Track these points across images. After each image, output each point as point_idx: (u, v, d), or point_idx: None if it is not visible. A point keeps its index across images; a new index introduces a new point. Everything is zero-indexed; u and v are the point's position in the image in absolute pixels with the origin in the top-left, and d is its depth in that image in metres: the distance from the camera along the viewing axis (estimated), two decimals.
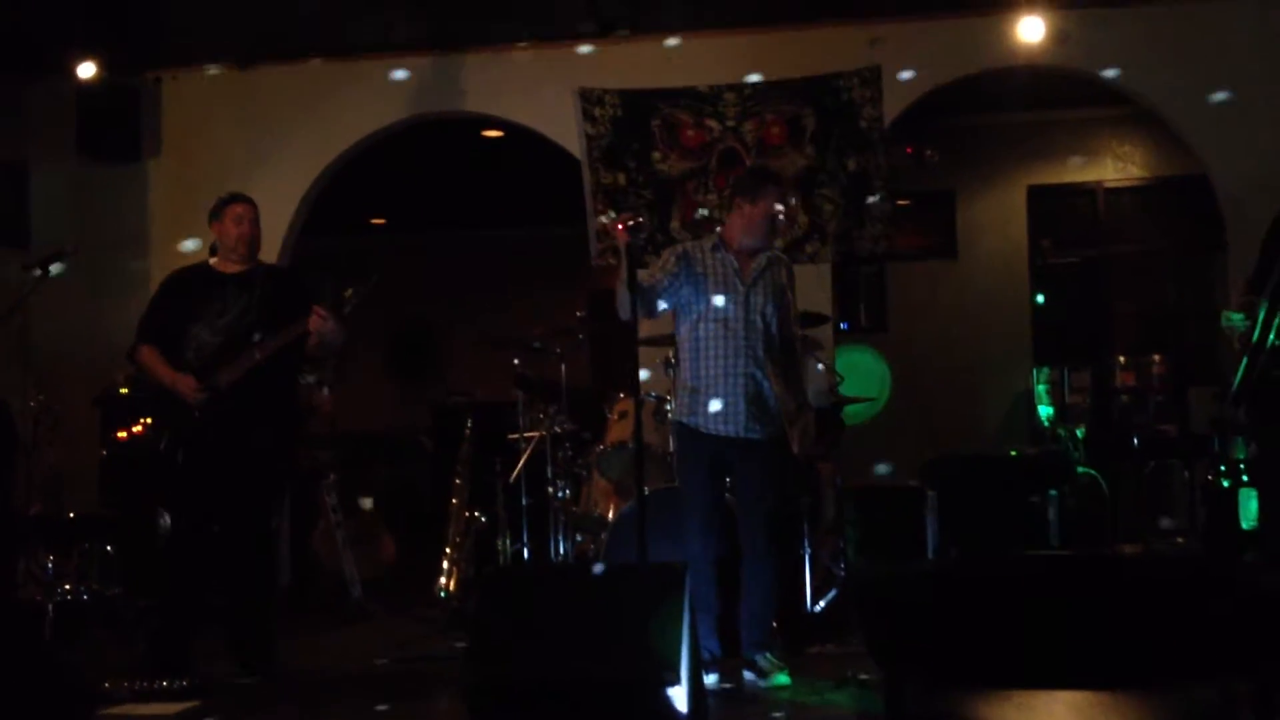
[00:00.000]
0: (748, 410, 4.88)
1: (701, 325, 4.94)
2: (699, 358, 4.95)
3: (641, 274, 4.87)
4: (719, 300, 4.92)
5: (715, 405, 4.89)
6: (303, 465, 6.83)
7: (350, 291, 5.19)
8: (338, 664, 5.63)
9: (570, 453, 6.42)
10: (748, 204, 5.02)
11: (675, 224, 7.31)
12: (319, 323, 5.07)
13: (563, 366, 6.50)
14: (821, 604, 5.91)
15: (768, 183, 5.12)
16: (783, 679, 4.86)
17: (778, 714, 4.52)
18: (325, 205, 8.05)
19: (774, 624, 5.07)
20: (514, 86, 7.59)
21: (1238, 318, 4.71)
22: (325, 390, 7.13)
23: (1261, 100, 6.61)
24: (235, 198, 5.42)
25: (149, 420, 5.66)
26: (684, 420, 5.00)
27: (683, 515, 4.96)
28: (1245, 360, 4.73)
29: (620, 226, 4.73)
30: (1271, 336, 4.62)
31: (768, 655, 4.91)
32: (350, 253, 10.67)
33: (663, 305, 4.93)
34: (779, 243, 7.24)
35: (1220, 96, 6.80)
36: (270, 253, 7.27)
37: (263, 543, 5.35)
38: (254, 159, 7.53)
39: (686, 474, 5.04)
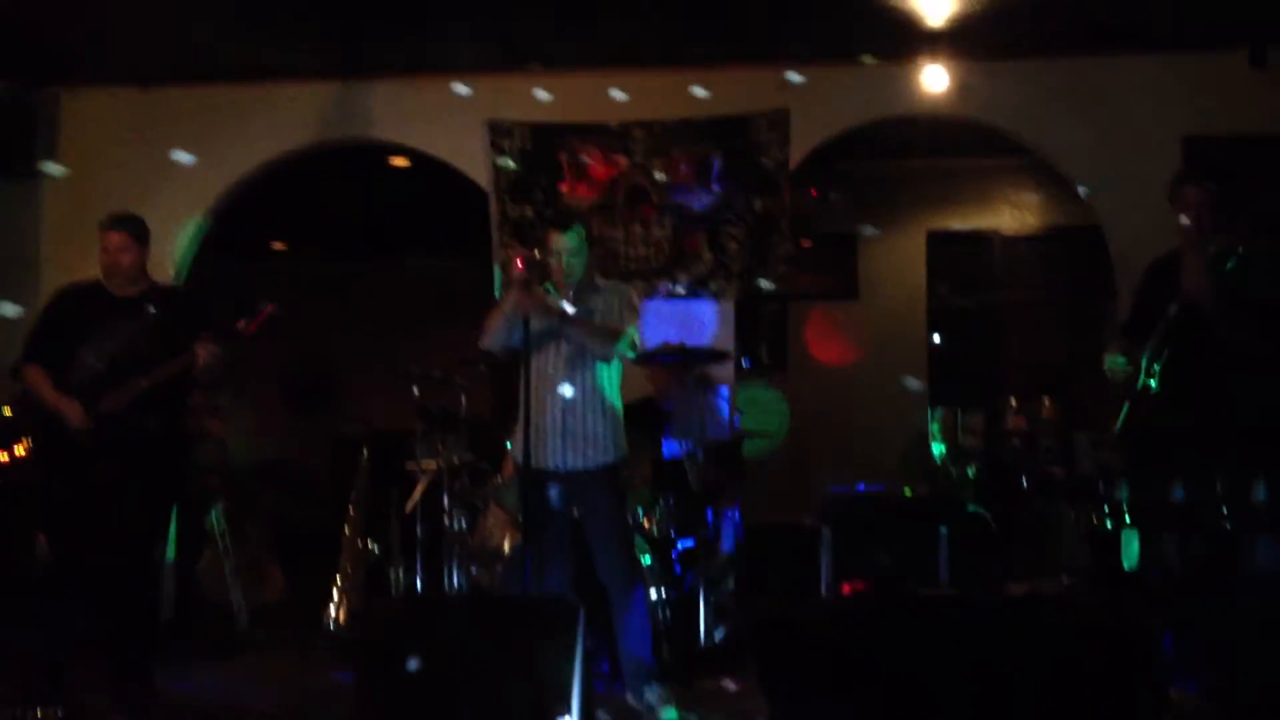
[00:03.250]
0: (566, 442, 4.89)
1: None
2: (531, 393, 4.92)
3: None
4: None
5: (552, 439, 4.90)
6: (191, 493, 6.67)
7: (244, 322, 5.12)
8: (221, 697, 5.50)
9: (468, 484, 6.37)
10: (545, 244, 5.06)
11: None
12: (205, 357, 4.99)
13: (463, 398, 6.46)
14: (715, 638, 5.92)
15: (551, 226, 5.16)
16: (671, 714, 4.85)
17: None
18: (226, 229, 7.92)
19: (652, 659, 5.05)
20: (422, 116, 7.55)
21: (1121, 361, 4.83)
22: (216, 417, 6.99)
23: (1153, 155, 6.81)
24: (106, 224, 5.27)
25: (30, 443, 5.49)
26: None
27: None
28: (1126, 406, 4.85)
29: (518, 262, 4.78)
30: (1154, 384, 4.75)
31: (654, 688, 4.90)
32: (250, 277, 10.52)
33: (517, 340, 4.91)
34: (683, 278, 7.35)
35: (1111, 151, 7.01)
36: (167, 274, 7.15)
37: (145, 572, 5.22)
38: (154, 180, 7.39)
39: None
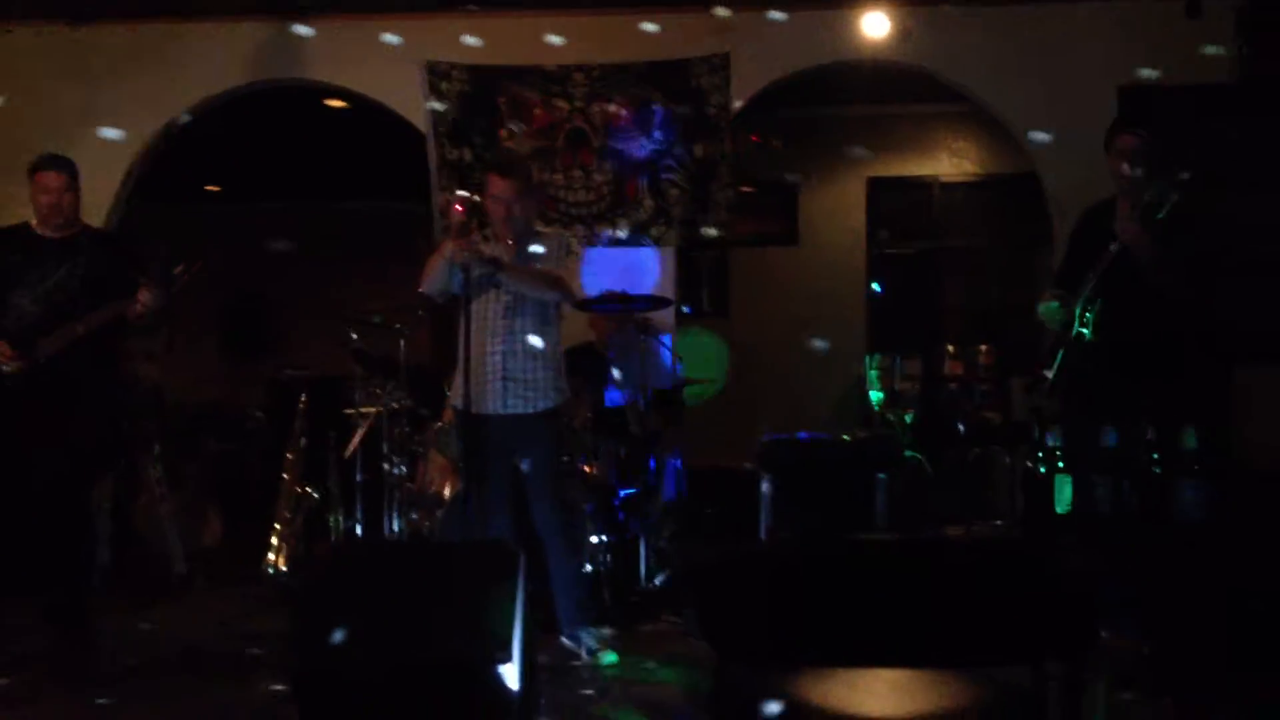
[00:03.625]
0: (506, 387, 4.88)
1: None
2: (472, 336, 4.89)
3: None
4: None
5: (492, 384, 4.89)
6: (126, 438, 6.60)
7: (181, 268, 5.05)
8: (157, 642, 5.46)
9: (408, 429, 6.34)
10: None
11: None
12: (145, 302, 4.92)
13: (402, 343, 6.42)
14: (655, 582, 5.97)
15: (492, 170, 5.08)
16: (611, 657, 4.90)
17: (608, 691, 4.56)
18: (159, 170, 7.78)
19: (590, 604, 5.08)
20: (359, 57, 7.44)
21: (1054, 307, 4.89)
22: (152, 362, 6.91)
23: (1089, 104, 6.87)
24: (42, 164, 5.16)
25: None
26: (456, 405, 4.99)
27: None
28: (1061, 353, 4.93)
29: (457, 206, 4.72)
30: (1088, 332, 4.82)
31: (591, 632, 4.93)
32: (184, 220, 10.36)
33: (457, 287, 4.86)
34: (624, 224, 7.33)
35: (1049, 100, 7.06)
36: (98, 216, 7.02)
37: (79, 516, 5.17)
38: (84, 119, 7.23)
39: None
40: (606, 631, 5.04)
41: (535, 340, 4.90)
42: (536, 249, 4.96)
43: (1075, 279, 5.00)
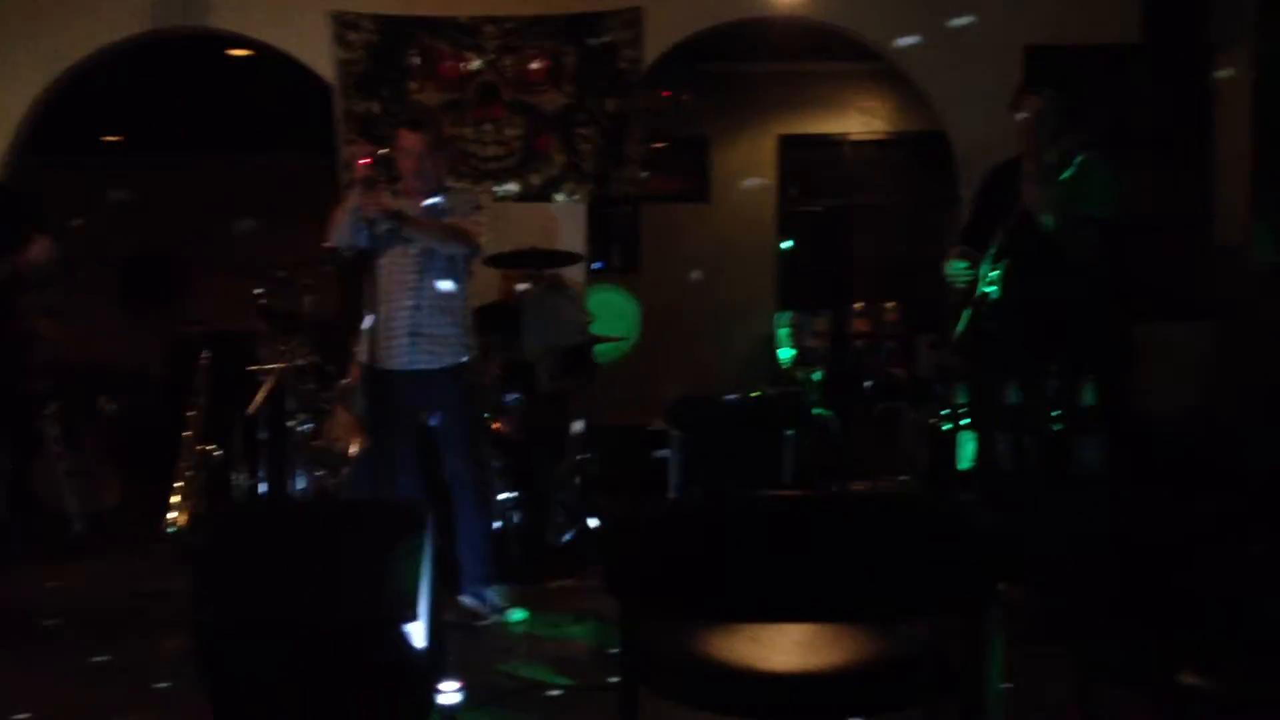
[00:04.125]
0: (413, 342, 4.83)
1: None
2: (381, 291, 4.86)
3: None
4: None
5: (399, 340, 4.85)
6: (21, 395, 6.43)
7: (80, 223, 4.91)
8: (55, 601, 5.36)
9: (313, 386, 6.26)
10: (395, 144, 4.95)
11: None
12: (38, 254, 4.79)
13: (307, 298, 6.31)
14: (564, 539, 5.97)
15: (401, 124, 5.03)
16: (519, 614, 4.90)
17: (516, 648, 4.56)
18: (56, 121, 7.55)
19: (494, 561, 5.06)
20: (263, 5, 7.27)
21: (961, 266, 4.95)
22: (48, 317, 6.71)
23: (997, 63, 6.93)
24: None
25: None
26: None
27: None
28: (968, 311, 4.98)
29: (363, 160, 4.66)
30: (992, 290, 4.87)
31: (498, 589, 4.93)
32: (83, 173, 10.09)
33: (364, 240, 4.80)
34: (535, 179, 7.27)
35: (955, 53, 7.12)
36: None
37: None
38: None
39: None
40: (509, 588, 5.01)
41: (444, 295, 4.85)
42: (443, 204, 4.90)
43: (980, 237, 5.06)
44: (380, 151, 4.83)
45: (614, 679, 2.34)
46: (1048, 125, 4.87)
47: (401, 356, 4.84)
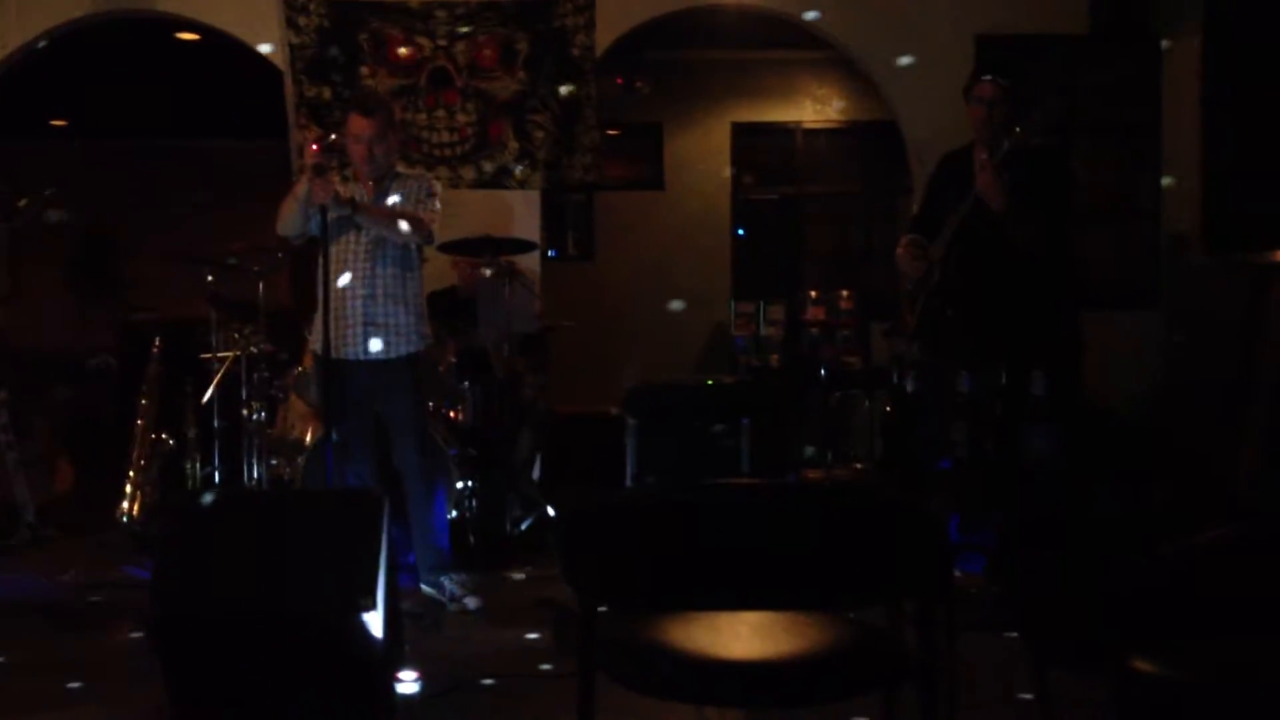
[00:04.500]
0: (366, 331, 4.81)
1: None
2: (331, 280, 4.82)
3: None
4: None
5: (351, 329, 4.82)
6: None
7: (25, 201, 4.85)
8: (6, 593, 5.31)
9: (267, 374, 6.22)
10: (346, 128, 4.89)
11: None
12: None
13: (260, 285, 6.26)
14: (521, 528, 5.97)
15: (350, 108, 4.94)
16: (473, 603, 4.89)
17: (472, 638, 4.56)
18: (2, 105, 7.44)
19: (449, 549, 5.06)
20: None
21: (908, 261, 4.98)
22: None
23: (948, 52, 6.98)
24: None
25: None
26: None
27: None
28: (923, 300, 5.03)
29: (313, 146, 4.61)
30: (944, 278, 4.92)
31: (453, 577, 4.92)
32: (25, 156, 9.95)
33: (315, 228, 4.75)
34: (488, 166, 7.25)
35: (906, 60, 7.16)
36: None
37: None
38: None
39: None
40: (464, 576, 5.01)
41: (397, 283, 4.83)
42: (395, 194, 4.87)
43: (931, 225, 5.10)
44: (330, 137, 4.78)
45: (572, 668, 2.36)
46: (1000, 113, 4.92)
47: (353, 346, 4.82)
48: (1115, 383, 6.69)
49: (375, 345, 4.83)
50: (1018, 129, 4.71)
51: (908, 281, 5.10)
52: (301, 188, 4.63)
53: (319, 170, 4.57)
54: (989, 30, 7.19)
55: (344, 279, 4.79)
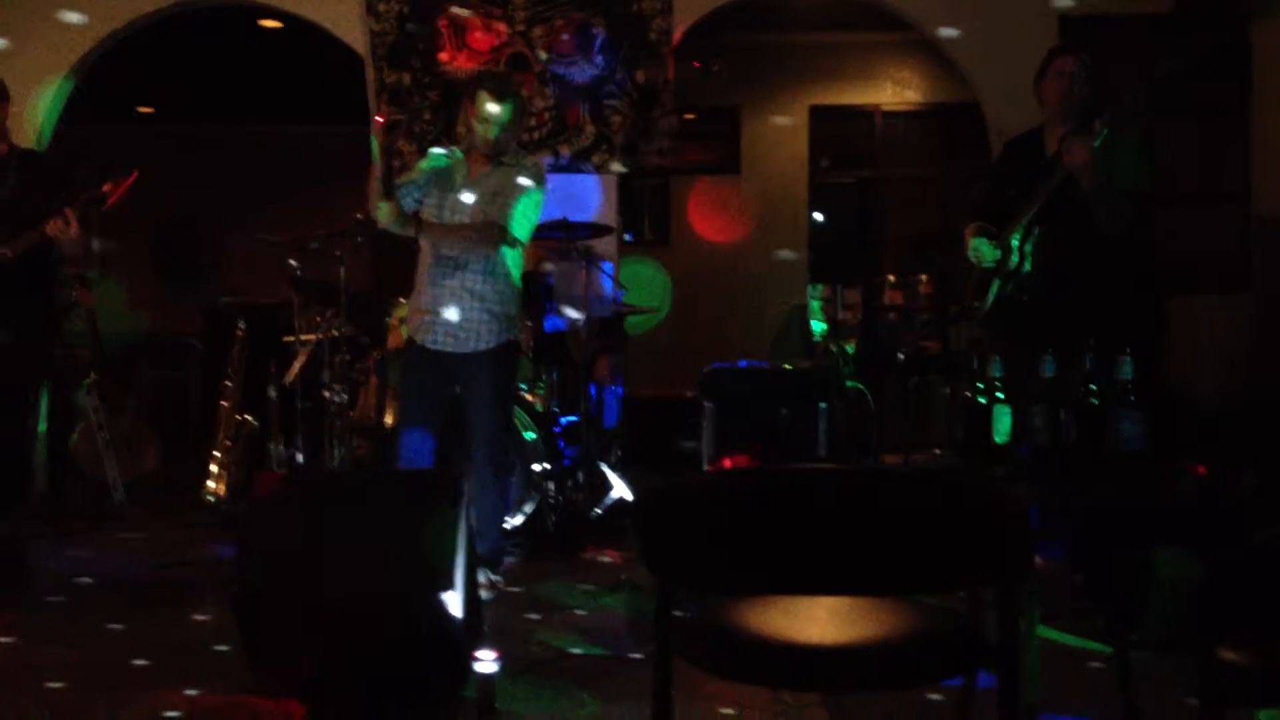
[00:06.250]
0: (456, 324, 4.79)
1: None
2: (421, 267, 4.86)
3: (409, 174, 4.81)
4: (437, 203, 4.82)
5: (428, 318, 4.83)
6: (61, 366, 6.51)
7: (109, 185, 4.94)
8: (97, 569, 5.44)
9: (348, 357, 6.29)
10: (468, 102, 4.87)
11: (461, 128, 7.17)
12: (58, 228, 4.82)
13: (342, 269, 6.33)
14: (598, 510, 6.00)
15: (481, 84, 4.85)
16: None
17: (551, 618, 4.59)
18: (90, 91, 7.60)
19: (501, 541, 5.03)
20: None
21: (986, 246, 4.91)
22: (84, 288, 6.78)
23: (1032, 32, 6.87)
24: None
25: None
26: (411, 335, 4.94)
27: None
28: (997, 283, 4.96)
29: (379, 119, 4.56)
30: (1027, 264, 4.85)
31: (486, 573, 4.80)
32: (117, 141, 10.15)
33: (413, 204, 4.76)
34: (565, 150, 7.27)
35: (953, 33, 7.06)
36: (28, 137, 6.86)
37: (16, 444, 5.10)
38: (14, 37, 7.04)
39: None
40: (496, 576, 4.94)
41: (485, 278, 4.80)
42: (493, 180, 4.83)
43: (996, 211, 5.01)
44: (395, 115, 4.69)
45: (648, 649, 2.36)
46: (1081, 87, 4.83)
47: (428, 335, 4.84)
48: (1204, 367, 6.57)
49: (444, 339, 4.82)
50: (1129, 98, 4.55)
51: (977, 268, 5.03)
52: (375, 170, 4.62)
53: (384, 148, 4.50)
54: (1073, 10, 7.06)
55: (445, 269, 4.79)
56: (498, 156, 4.84)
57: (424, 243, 4.82)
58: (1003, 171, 5.22)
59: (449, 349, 4.82)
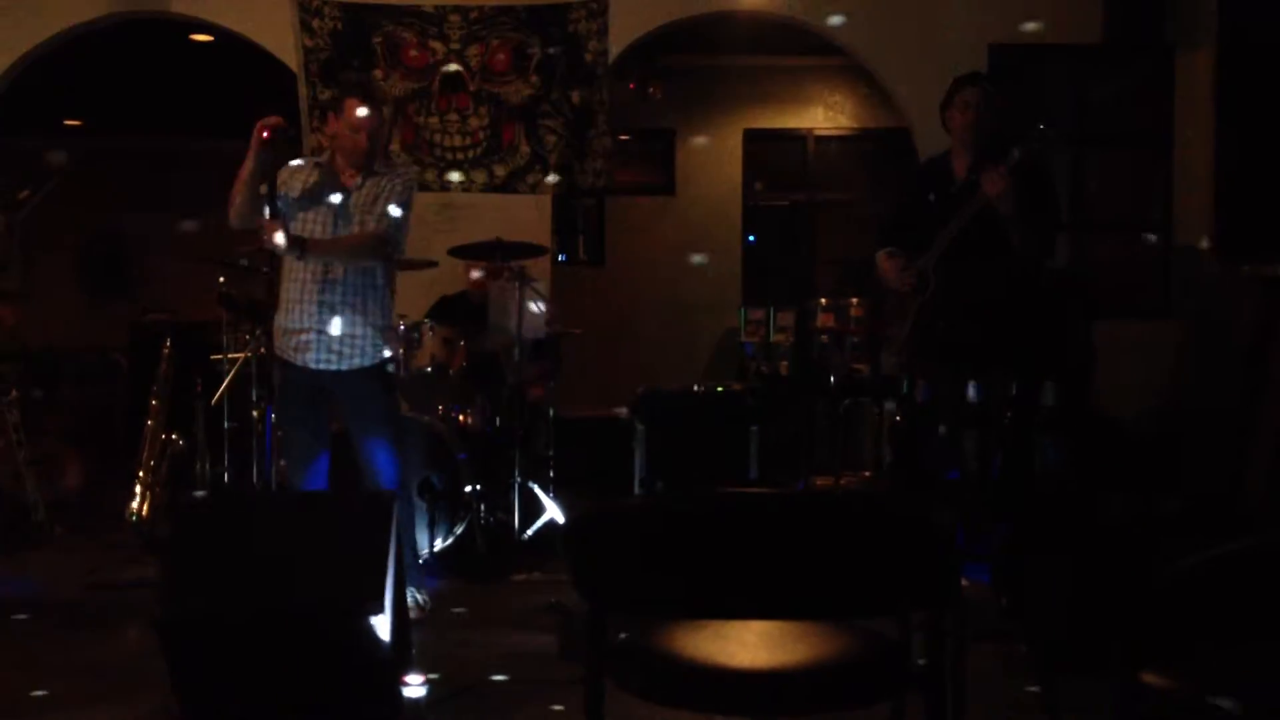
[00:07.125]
0: (324, 339, 4.58)
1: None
2: (289, 283, 4.63)
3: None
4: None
5: (305, 337, 4.60)
6: None
7: (26, 193, 4.84)
8: (15, 590, 5.32)
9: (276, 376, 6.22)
10: (332, 115, 4.70)
11: (395, 145, 7.14)
12: None
13: (271, 286, 6.26)
14: (529, 532, 5.97)
15: (348, 91, 4.66)
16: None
17: (479, 640, 4.56)
18: (14, 103, 7.47)
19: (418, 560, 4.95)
20: None
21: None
22: (6, 301, 6.66)
23: (962, 59, 6.96)
24: None
25: None
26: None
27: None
28: (915, 312, 5.02)
29: (264, 134, 4.37)
30: (945, 291, 4.90)
31: (414, 595, 4.70)
32: (38, 154, 9.98)
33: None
34: (500, 170, 7.25)
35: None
36: None
37: None
38: None
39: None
40: (422, 597, 4.84)
41: (357, 292, 4.60)
42: (370, 189, 4.62)
43: (906, 236, 5.07)
44: (282, 125, 4.48)
45: (579, 673, 2.35)
46: (985, 117, 4.91)
47: (316, 354, 4.60)
48: (1126, 393, 6.67)
49: (325, 356, 4.59)
50: (1041, 128, 4.65)
51: (892, 294, 5.07)
52: (243, 170, 4.46)
53: (258, 154, 4.34)
54: (1002, 39, 7.17)
55: (303, 287, 4.59)
56: (369, 165, 4.66)
57: (289, 258, 4.57)
58: (913, 194, 5.30)
59: (332, 367, 4.60)
